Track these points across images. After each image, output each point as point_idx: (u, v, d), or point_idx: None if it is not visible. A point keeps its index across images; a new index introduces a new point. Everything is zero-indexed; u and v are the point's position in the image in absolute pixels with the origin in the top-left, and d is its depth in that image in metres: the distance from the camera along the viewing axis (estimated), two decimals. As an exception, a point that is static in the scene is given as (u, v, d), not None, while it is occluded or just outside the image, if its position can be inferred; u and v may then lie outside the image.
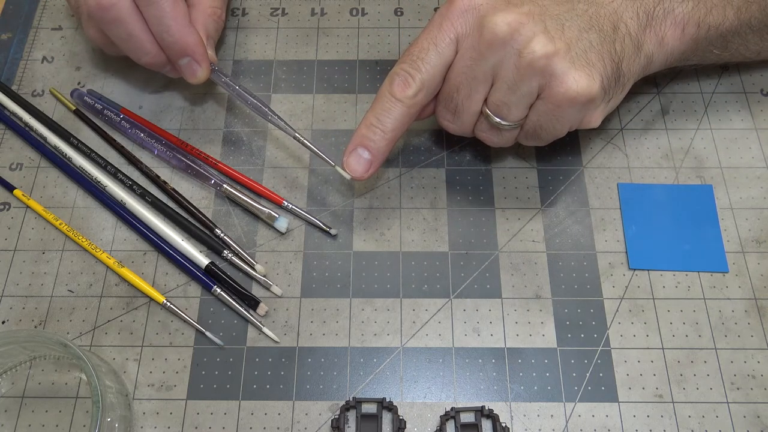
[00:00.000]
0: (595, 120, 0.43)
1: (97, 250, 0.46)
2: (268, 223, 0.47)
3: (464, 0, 0.41)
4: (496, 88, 0.41)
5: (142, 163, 0.50)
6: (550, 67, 0.39)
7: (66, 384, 0.42)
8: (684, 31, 0.44)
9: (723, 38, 0.46)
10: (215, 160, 0.50)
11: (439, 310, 0.45)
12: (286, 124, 0.46)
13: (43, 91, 0.54)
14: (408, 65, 0.42)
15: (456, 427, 0.40)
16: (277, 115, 0.47)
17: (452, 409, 0.41)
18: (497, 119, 0.43)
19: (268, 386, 0.42)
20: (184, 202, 0.48)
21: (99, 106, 0.52)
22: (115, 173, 0.49)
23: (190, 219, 0.47)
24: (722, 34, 0.45)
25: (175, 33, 0.46)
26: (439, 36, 0.42)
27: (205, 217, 0.47)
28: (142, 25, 0.46)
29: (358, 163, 0.44)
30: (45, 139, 0.50)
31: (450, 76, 0.43)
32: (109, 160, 0.49)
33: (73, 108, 0.52)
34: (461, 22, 0.41)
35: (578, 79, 0.40)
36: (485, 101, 0.43)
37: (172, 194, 0.48)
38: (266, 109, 0.47)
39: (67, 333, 0.44)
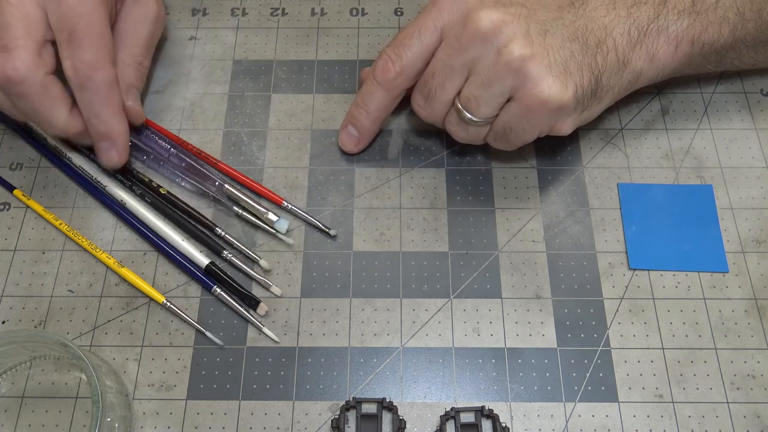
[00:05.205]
0: (566, 128, 0.44)
1: (97, 250, 0.46)
2: (269, 225, 0.47)
3: None
4: (470, 82, 0.42)
5: (138, 171, 0.49)
6: (525, 68, 0.40)
7: (66, 384, 0.42)
8: (677, 48, 0.44)
9: (717, 54, 0.46)
10: (215, 159, 0.50)
11: (439, 310, 0.45)
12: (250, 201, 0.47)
13: (43, 91, 0.54)
14: (391, 50, 0.44)
15: (456, 427, 0.40)
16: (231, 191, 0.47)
17: (452, 409, 0.41)
18: (467, 114, 0.43)
19: (268, 386, 0.42)
20: (181, 204, 0.48)
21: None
22: (115, 174, 0.49)
23: (192, 217, 0.47)
24: (717, 50, 0.46)
25: (104, 120, 0.44)
26: (425, 24, 0.43)
27: (205, 217, 0.47)
28: (50, 102, 0.43)
29: (348, 139, 0.49)
30: (45, 139, 0.50)
31: (431, 63, 0.44)
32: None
33: None
34: (448, 11, 0.43)
35: (551, 86, 0.40)
36: (458, 94, 0.43)
37: (168, 197, 0.48)
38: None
39: (67, 333, 0.44)
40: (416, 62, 0.44)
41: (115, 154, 0.46)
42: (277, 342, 0.43)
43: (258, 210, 0.47)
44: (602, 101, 0.44)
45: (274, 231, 0.47)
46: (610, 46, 0.42)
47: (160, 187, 0.48)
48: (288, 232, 0.47)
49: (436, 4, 0.43)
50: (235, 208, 0.47)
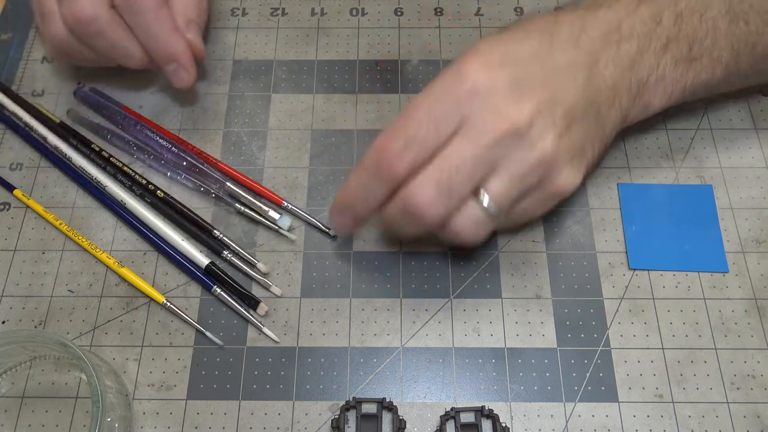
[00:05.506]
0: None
1: (97, 250, 0.46)
2: (271, 221, 0.47)
3: (474, 80, 0.38)
4: (498, 176, 0.38)
5: (136, 172, 0.49)
6: (555, 162, 0.39)
7: (66, 384, 0.42)
8: (671, 96, 0.43)
9: (708, 90, 0.46)
10: (215, 159, 0.50)
11: (439, 310, 0.45)
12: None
13: (43, 91, 0.54)
14: (398, 144, 0.38)
15: (456, 427, 0.40)
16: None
17: (452, 409, 0.41)
18: (495, 207, 0.39)
19: (268, 386, 0.42)
20: (178, 206, 0.47)
21: (102, 101, 0.51)
22: (114, 174, 0.49)
23: (190, 220, 0.47)
24: (709, 88, 0.45)
25: (161, 41, 0.46)
26: (443, 115, 0.38)
27: (203, 220, 0.47)
28: (122, 33, 0.46)
29: (341, 226, 0.45)
30: (45, 139, 0.50)
31: (451, 155, 0.38)
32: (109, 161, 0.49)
33: (57, 121, 0.51)
34: (470, 103, 0.38)
35: (570, 175, 0.40)
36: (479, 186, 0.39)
37: (166, 199, 0.48)
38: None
39: (67, 333, 0.44)
40: (428, 156, 0.38)
41: (184, 74, 0.48)
42: (277, 342, 0.43)
43: (260, 207, 0.47)
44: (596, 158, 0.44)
45: (277, 227, 0.47)
46: (617, 106, 0.41)
47: (158, 189, 0.48)
48: (291, 229, 0.47)
49: (452, 96, 0.38)
50: (237, 205, 0.47)
